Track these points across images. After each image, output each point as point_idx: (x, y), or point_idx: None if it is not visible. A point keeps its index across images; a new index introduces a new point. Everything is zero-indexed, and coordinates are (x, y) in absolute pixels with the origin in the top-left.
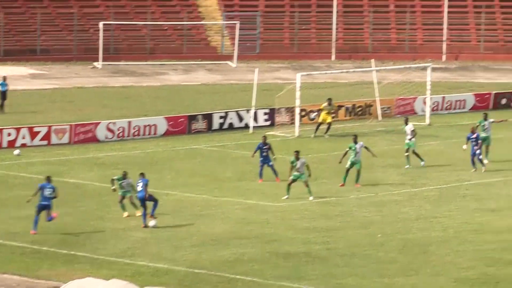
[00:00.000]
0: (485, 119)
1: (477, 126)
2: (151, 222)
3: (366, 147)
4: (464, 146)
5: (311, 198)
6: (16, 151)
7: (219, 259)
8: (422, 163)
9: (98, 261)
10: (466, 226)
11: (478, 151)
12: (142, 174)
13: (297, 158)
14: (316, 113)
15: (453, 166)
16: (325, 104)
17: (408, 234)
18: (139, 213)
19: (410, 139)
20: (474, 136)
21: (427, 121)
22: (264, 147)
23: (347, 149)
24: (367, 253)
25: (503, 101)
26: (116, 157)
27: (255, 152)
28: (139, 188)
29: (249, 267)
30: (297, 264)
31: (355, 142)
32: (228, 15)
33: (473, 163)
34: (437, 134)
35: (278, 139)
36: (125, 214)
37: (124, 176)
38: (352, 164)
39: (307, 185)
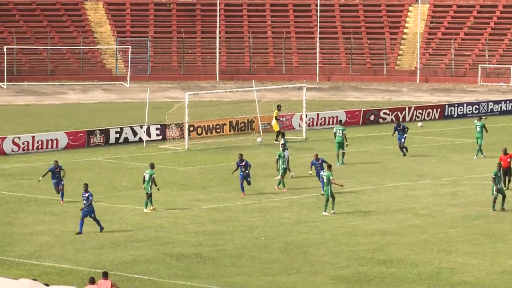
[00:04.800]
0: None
1: None
2: None
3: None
4: (310, 172)
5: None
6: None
7: (118, 260)
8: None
9: (7, 262)
10: (340, 229)
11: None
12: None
13: (283, 150)
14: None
15: None
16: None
17: (289, 237)
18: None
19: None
20: (319, 162)
21: (304, 135)
22: (241, 164)
23: (277, 157)
24: (252, 254)
25: (372, 117)
26: (22, 168)
27: (235, 170)
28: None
29: (145, 267)
30: (189, 264)
31: (284, 150)
32: (120, 40)
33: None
34: (313, 147)
35: (169, 152)
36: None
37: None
38: (285, 170)
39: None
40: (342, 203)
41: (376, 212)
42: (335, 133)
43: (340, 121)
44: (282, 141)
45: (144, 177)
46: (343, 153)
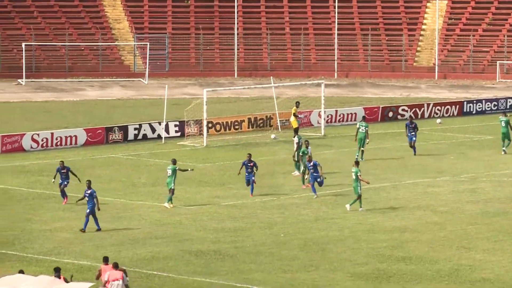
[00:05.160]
0: None
1: None
2: None
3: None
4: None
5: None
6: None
7: (137, 257)
8: None
9: (27, 259)
10: (360, 226)
11: (320, 179)
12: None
13: (307, 146)
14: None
15: (345, 173)
16: (294, 107)
17: (308, 234)
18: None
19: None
20: (311, 164)
21: (322, 132)
22: (249, 164)
23: (301, 154)
24: (271, 251)
25: (390, 114)
26: (41, 165)
27: (240, 169)
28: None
29: (164, 264)
30: (208, 261)
31: (307, 147)
32: (139, 37)
33: (314, 190)
34: (331, 144)
35: (188, 149)
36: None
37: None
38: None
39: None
40: (361, 199)
41: (395, 209)
42: (358, 128)
43: (364, 117)
44: (296, 139)
45: (167, 173)
46: (362, 151)
